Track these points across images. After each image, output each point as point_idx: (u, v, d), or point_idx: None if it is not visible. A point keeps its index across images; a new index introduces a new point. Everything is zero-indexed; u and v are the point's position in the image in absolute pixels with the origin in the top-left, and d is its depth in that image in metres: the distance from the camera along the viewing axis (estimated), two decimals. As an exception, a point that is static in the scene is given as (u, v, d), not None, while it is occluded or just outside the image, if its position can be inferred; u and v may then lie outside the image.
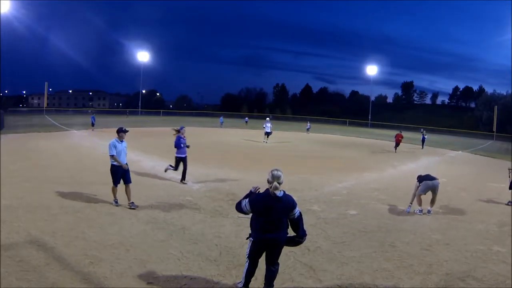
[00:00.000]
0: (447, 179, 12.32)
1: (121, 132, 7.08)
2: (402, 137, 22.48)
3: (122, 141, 7.07)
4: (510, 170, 9.32)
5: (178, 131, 9.87)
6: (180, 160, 9.63)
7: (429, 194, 7.93)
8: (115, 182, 7.05)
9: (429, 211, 7.87)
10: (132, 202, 7.06)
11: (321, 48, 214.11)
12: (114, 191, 7.12)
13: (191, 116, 65.20)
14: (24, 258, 4.57)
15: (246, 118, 53.61)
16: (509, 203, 9.06)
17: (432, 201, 7.97)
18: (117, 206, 6.94)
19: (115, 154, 6.93)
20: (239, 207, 3.88)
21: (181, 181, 9.66)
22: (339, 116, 70.24)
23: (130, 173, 7.34)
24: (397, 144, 22.08)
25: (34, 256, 4.65)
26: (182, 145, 9.57)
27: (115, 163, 7.01)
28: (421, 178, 8.06)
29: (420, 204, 7.88)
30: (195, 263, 4.77)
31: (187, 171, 9.78)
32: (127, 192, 7.08)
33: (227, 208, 7.39)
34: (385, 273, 4.75)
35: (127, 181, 7.11)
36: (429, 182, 7.89)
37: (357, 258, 5.22)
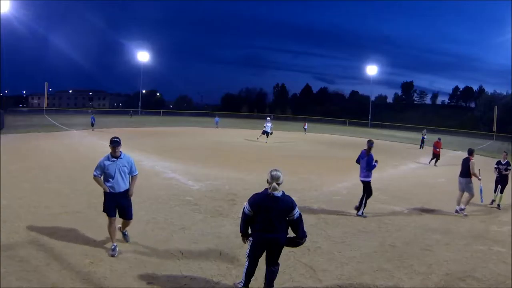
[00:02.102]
0: (447, 179, 12.31)
1: (110, 144, 5.01)
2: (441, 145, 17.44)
3: (119, 157, 5.02)
4: (505, 153, 9.34)
5: (370, 148, 7.53)
6: (370, 185, 7.50)
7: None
8: (108, 212, 4.98)
9: (457, 211, 7.94)
10: (125, 233, 5.31)
11: (321, 48, 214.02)
12: (109, 228, 4.97)
13: (191, 116, 65.17)
14: (24, 258, 4.58)
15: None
16: (498, 206, 8.90)
17: (463, 200, 8.03)
18: (113, 256, 4.80)
19: (98, 175, 4.99)
20: (242, 216, 3.85)
21: (358, 212, 7.42)
22: (339, 116, 70.13)
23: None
24: (436, 157, 16.72)
25: (34, 256, 4.66)
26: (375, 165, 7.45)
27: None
28: (463, 162, 8.29)
29: (458, 202, 8.01)
30: (195, 263, 4.77)
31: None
32: (123, 224, 5.30)
33: (227, 208, 7.39)
34: (385, 273, 4.75)
35: (125, 215, 5.13)
36: (459, 178, 8.21)
37: (357, 258, 5.23)
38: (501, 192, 8.98)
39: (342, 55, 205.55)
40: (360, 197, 7.47)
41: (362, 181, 7.51)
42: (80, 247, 5.05)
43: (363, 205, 7.41)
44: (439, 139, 17.41)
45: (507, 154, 9.40)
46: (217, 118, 38.69)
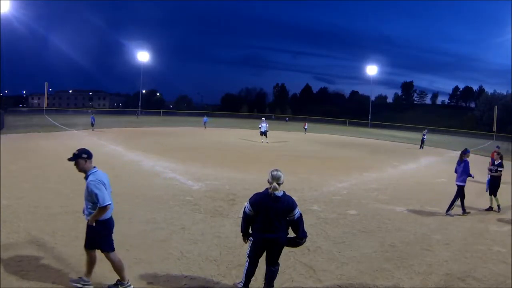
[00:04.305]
0: (447, 179, 12.30)
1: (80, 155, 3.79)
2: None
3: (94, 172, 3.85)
4: (498, 148, 9.01)
5: (462, 156, 8.25)
6: (463, 189, 8.13)
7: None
8: (106, 246, 3.99)
9: None
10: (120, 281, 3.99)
11: (321, 48, 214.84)
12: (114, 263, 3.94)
13: (191, 116, 65.13)
14: (24, 258, 4.58)
15: (287, 118, 57.03)
16: (490, 209, 8.60)
17: None
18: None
19: (110, 202, 3.85)
20: (243, 216, 3.86)
21: (464, 212, 8.06)
22: (339, 116, 70.22)
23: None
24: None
25: (34, 256, 4.66)
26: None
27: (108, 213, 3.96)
28: None
29: None
30: (195, 263, 4.77)
31: None
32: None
33: (227, 208, 7.39)
34: (385, 273, 4.75)
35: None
36: None
37: (357, 258, 5.22)
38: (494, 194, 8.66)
39: (342, 55, 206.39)
40: (454, 199, 8.09)
41: (458, 185, 8.12)
42: (80, 247, 5.02)
43: (459, 205, 8.06)
44: (498, 147, 14.01)
45: (499, 154, 9.17)
46: (205, 118, 36.28)
